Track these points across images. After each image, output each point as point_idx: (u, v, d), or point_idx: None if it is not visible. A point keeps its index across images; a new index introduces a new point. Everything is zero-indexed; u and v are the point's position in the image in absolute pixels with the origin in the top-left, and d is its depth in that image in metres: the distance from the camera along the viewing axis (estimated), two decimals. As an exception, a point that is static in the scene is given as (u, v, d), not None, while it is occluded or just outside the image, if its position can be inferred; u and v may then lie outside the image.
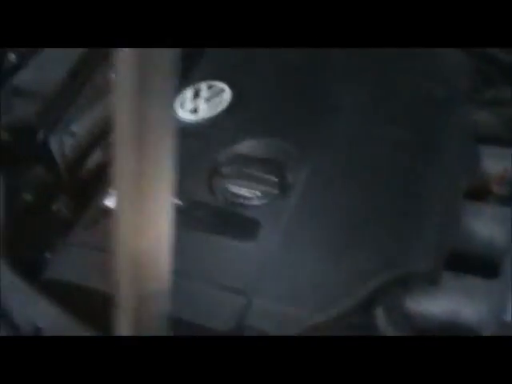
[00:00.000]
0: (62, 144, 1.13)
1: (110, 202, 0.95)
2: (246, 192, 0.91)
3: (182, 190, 0.92)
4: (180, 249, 0.85)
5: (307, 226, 0.87)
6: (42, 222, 1.04)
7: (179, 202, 0.92)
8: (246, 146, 0.95)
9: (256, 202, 0.90)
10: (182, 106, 1.03)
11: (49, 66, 1.20)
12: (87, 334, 0.79)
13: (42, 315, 0.85)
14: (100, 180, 1.11)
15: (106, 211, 0.94)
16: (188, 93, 1.05)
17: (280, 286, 0.83)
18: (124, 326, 0.63)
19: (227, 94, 1.02)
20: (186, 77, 1.08)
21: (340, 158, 0.93)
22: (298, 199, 0.89)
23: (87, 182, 1.10)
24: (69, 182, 1.11)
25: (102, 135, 1.17)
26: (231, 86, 1.02)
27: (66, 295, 0.87)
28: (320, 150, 0.94)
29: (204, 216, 0.90)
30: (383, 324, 0.80)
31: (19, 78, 1.19)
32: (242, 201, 0.90)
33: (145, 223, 0.59)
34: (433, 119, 0.95)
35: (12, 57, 1.24)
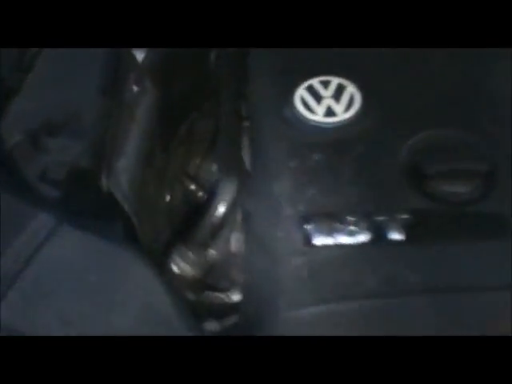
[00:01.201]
0: (121, 185, 0.85)
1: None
2: (460, 188, 0.79)
3: (379, 200, 0.77)
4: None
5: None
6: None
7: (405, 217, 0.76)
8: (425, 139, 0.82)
9: (472, 196, 0.78)
10: (306, 107, 0.85)
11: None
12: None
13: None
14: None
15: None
16: (302, 91, 0.86)
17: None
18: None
19: (351, 89, 0.86)
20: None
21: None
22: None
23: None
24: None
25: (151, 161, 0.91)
26: (353, 81, 0.87)
27: None
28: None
29: (439, 223, 0.75)
30: None
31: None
32: (460, 198, 0.78)
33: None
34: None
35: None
